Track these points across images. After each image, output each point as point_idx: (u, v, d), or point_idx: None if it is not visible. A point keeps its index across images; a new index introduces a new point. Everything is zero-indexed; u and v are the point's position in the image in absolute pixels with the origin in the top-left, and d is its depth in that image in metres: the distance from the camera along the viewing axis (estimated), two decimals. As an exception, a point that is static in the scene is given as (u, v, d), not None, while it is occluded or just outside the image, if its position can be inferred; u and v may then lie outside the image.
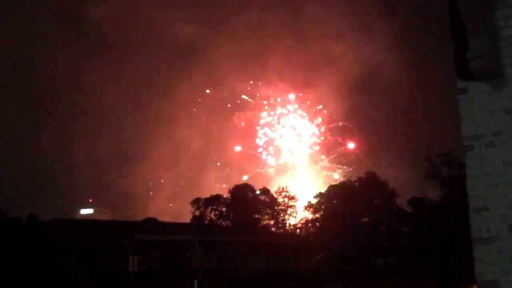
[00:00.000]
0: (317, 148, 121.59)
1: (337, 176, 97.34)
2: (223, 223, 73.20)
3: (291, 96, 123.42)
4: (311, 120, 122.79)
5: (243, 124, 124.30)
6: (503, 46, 7.29)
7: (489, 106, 7.34)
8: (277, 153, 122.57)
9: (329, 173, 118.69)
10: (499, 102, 7.27)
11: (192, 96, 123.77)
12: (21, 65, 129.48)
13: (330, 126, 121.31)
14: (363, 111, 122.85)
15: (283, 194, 77.32)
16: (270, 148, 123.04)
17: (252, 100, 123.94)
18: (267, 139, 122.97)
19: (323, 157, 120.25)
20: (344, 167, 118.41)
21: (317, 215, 68.23)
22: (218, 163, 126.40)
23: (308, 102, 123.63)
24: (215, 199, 74.59)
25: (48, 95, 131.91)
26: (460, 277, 50.59)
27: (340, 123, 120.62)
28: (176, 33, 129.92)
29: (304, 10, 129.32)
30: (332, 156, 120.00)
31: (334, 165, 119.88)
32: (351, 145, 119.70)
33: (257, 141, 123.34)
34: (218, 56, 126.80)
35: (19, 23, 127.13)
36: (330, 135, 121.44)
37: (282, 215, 75.29)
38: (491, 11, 7.35)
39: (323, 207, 67.25)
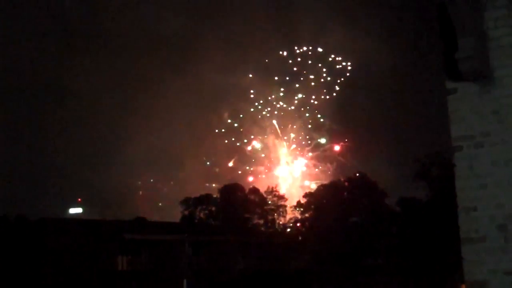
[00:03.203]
0: (302, 143, 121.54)
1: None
2: (213, 222, 73.19)
3: (276, 91, 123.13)
4: (296, 116, 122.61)
5: (229, 120, 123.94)
6: (492, 47, 7.32)
7: (478, 107, 7.36)
8: (263, 150, 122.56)
9: (316, 170, 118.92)
10: (488, 103, 7.30)
11: (180, 93, 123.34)
12: (4, 65, 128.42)
13: (315, 122, 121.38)
14: (350, 107, 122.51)
15: (273, 193, 77.49)
16: (258, 145, 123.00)
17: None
18: (252, 136, 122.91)
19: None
20: (328, 164, 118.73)
21: (307, 215, 68.35)
22: (208, 163, 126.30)
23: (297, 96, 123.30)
24: (204, 199, 74.61)
25: (32, 93, 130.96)
26: (449, 277, 50.75)
27: (327, 122, 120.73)
28: (162, 27, 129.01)
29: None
30: (316, 153, 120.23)
31: (318, 163, 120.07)
32: (336, 147, 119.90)
33: (244, 138, 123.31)
34: (204, 49, 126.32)
35: (6, 24, 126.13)
36: (315, 131, 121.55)
37: (271, 214, 75.40)
38: (480, 12, 7.36)
39: (312, 206, 67.37)
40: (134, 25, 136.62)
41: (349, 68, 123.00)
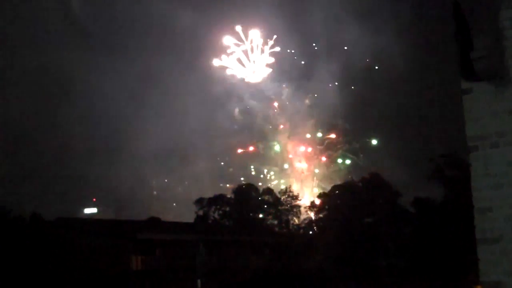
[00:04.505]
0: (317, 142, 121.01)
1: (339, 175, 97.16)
2: (227, 222, 73.25)
3: (287, 90, 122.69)
4: (307, 115, 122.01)
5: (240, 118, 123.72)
6: (508, 47, 7.29)
7: (493, 106, 7.33)
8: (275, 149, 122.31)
9: (329, 166, 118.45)
10: (503, 103, 7.27)
11: (192, 91, 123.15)
12: (20, 64, 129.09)
13: (329, 121, 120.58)
14: (362, 106, 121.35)
15: (287, 194, 77.37)
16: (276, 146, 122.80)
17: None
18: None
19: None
20: (341, 164, 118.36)
21: (321, 215, 68.29)
22: (222, 163, 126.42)
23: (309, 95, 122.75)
24: (218, 199, 74.66)
25: (47, 93, 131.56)
26: (464, 278, 50.53)
27: (339, 122, 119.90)
28: (172, 24, 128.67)
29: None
30: (329, 152, 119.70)
31: (331, 163, 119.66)
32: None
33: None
34: (214, 46, 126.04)
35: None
36: (328, 131, 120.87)
37: (285, 215, 75.32)
38: (496, 11, 7.34)
39: (326, 207, 67.30)
40: (144, 22, 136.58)
41: (362, 65, 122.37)
